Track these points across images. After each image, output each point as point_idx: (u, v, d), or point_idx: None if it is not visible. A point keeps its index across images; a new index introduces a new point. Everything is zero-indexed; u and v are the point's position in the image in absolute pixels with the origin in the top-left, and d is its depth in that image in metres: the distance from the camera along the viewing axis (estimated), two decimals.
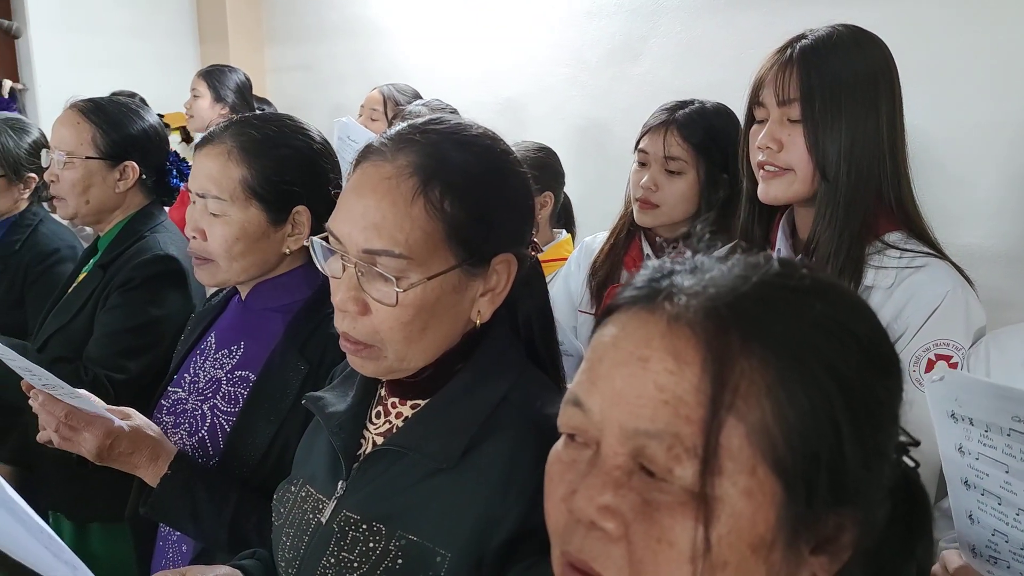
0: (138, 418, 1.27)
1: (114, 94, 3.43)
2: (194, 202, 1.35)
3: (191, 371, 1.43)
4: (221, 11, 4.60)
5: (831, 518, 0.58)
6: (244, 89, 3.45)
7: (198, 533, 1.26)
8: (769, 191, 1.32)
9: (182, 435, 1.38)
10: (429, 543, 0.88)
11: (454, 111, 2.46)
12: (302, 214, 1.34)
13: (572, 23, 3.06)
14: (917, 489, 0.66)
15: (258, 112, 1.41)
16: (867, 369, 0.58)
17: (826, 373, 0.56)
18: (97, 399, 1.22)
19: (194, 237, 1.34)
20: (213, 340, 1.44)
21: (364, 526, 0.92)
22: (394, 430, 0.97)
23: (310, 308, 1.35)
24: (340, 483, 0.97)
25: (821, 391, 0.56)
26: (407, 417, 0.97)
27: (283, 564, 1.01)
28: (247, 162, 1.31)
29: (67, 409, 1.19)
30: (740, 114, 1.75)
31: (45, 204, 2.27)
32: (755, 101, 1.33)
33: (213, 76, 3.42)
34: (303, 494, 1.01)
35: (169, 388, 1.44)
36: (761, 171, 1.32)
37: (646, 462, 0.56)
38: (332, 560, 0.93)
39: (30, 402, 1.22)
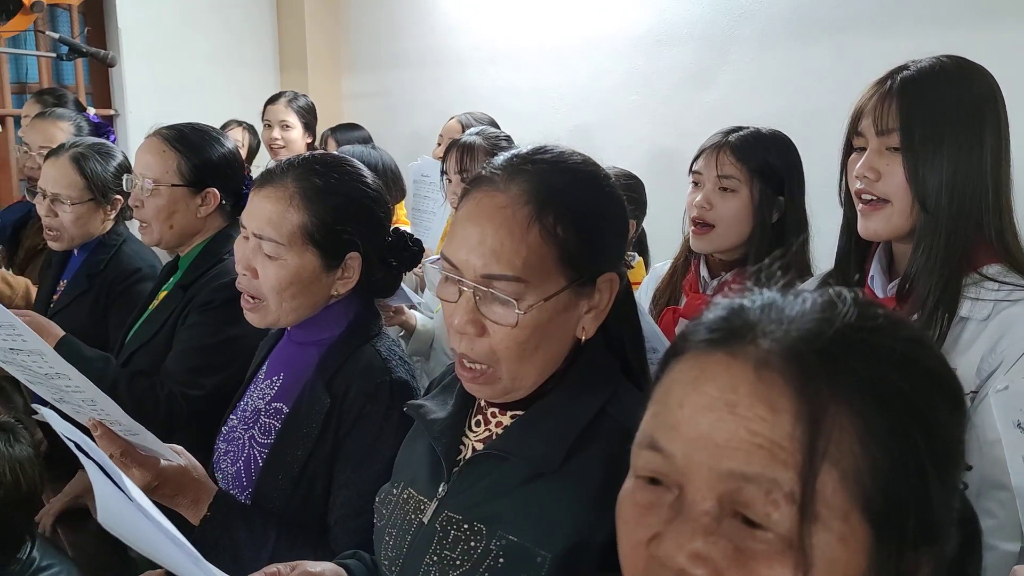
0: (186, 458, 1.29)
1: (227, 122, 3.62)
2: (246, 238, 1.36)
3: (244, 399, 1.47)
4: (301, 41, 4.76)
5: (911, 556, 0.58)
6: (308, 111, 3.60)
7: (238, 571, 1.28)
8: (869, 226, 1.31)
9: (227, 464, 1.41)
10: (530, 544, 0.92)
11: (508, 138, 2.50)
12: (354, 260, 1.36)
13: (643, 51, 3.07)
14: (969, 511, 0.66)
15: (319, 153, 1.44)
16: (942, 406, 0.59)
17: (911, 416, 0.57)
18: (152, 436, 1.24)
19: (244, 274, 1.36)
20: (265, 369, 1.47)
21: (465, 526, 0.96)
22: (493, 437, 1.01)
23: (343, 342, 1.37)
24: (442, 485, 1.02)
25: (908, 435, 0.56)
26: (506, 426, 1.01)
27: (386, 563, 1.05)
28: (308, 208, 1.32)
29: (123, 447, 1.22)
30: (812, 142, 1.75)
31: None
32: (854, 130, 1.32)
33: (309, 113, 3.65)
34: (404, 496, 1.06)
35: (231, 415, 1.47)
36: (860, 203, 1.31)
37: (741, 507, 0.56)
38: (435, 558, 0.97)
39: (91, 430, 1.25)
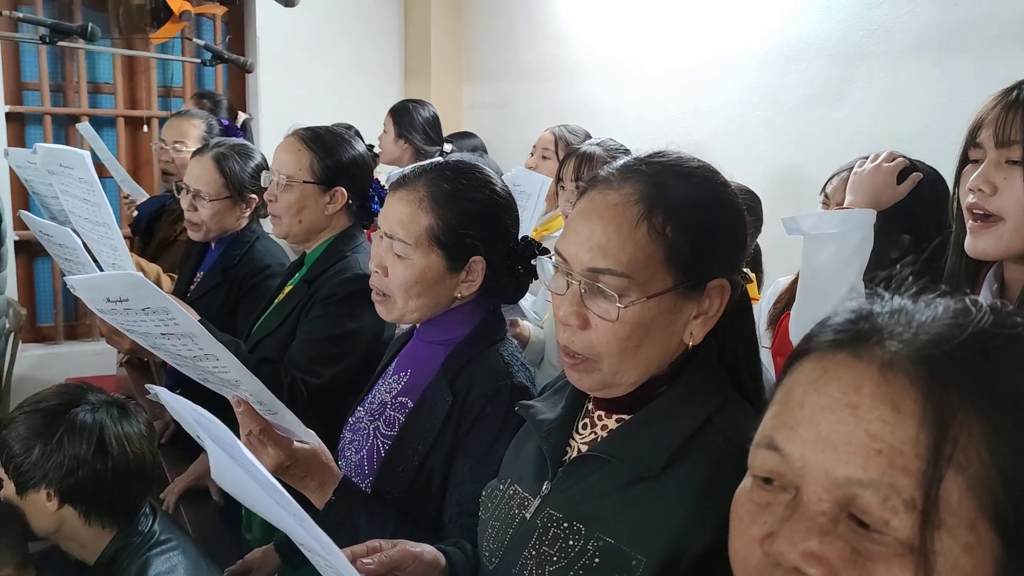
0: (316, 442, 1.34)
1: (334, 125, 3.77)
2: (381, 238, 1.43)
3: (373, 392, 1.52)
4: (426, 51, 4.89)
5: None
6: (428, 125, 3.64)
7: None
8: (978, 245, 1.24)
9: (352, 452, 1.47)
10: (626, 547, 0.92)
11: (627, 151, 2.49)
12: (478, 263, 1.40)
13: (769, 66, 3.01)
14: None
15: (453, 160, 1.47)
16: None
17: None
18: (292, 417, 1.30)
19: (376, 272, 1.43)
20: (394, 365, 1.53)
21: (565, 524, 0.98)
22: (598, 440, 1.03)
23: (468, 343, 1.41)
24: (546, 483, 1.04)
25: None
26: (611, 429, 1.02)
27: (487, 554, 1.09)
28: (435, 212, 1.37)
29: (262, 425, 1.28)
30: (947, 164, 1.67)
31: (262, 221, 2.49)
32: (971, 142, 1.25)
33: (398, 114, 3.65)
34: (510, 492, 1.09)
35: (359, 407, 1.53)
36: (970, 219, 1.25)
37: (858, 512, 0.55)
38: (533, 552, 0.99)
39: (234, 407, 1.31)
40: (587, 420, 1.06)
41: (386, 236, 1.41)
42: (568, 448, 1.06)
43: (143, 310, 1.18)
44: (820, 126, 2.83)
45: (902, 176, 1.65)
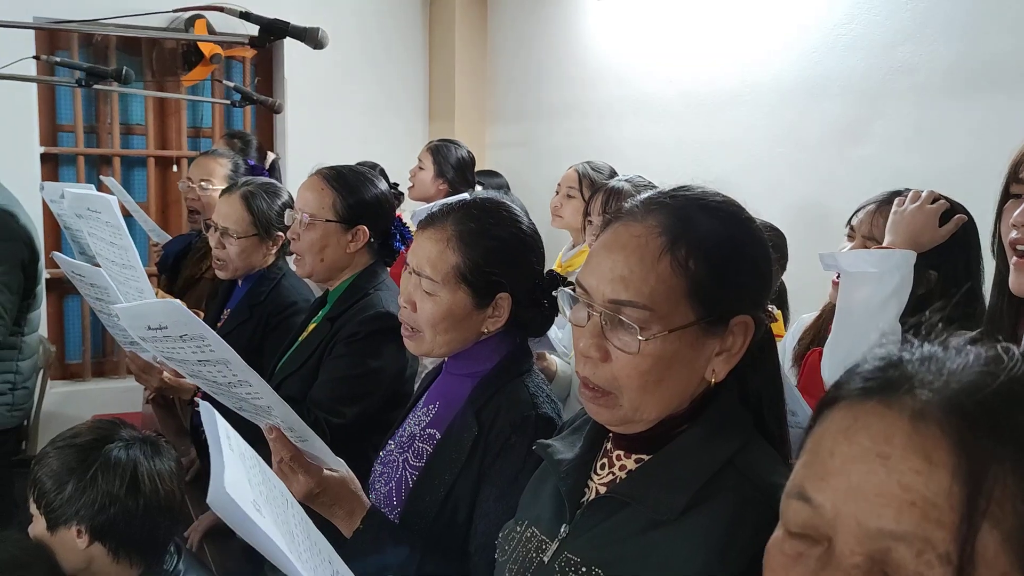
0: (345, 471, 1.37)
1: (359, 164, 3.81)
2: (410, 274, 1.45)
3: (403, 426, 1.54)
4: (451, 92, 4.96)
5: None
6: (464, 165, 3.68)
7: None
8: (1022, 282, 1.21)
9: (381, 484, 1.48)
10: None
11: (654, 187, 2.49)
12: (504, 300, 1.42)
13: (791, 103, 3.02)
14: None
15: (480, 199, 1.50)
16: None
17: None
18: (321, 444, 1.33)
19: (405, 307, 1.46)
20: (424, 398, 1.54)
21: (584, 569, 0.96)
22: (617, 480, 1.01)
23: (494, 376, 1.42)
24: (564, 526, 1.02)
25: None
26: (630, 470, 1.01)
27: None
28: (463, 251, 1.40)
29: (293, 452, 1.31)
30: (972, 201, 1.66)
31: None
32: (1013, 177, 1.24)
33: (439, 152, 3.68)
34: (528, 534, 1.07)
35: (389, 440, 1.55)
36: (1013, 255, 1.22)
37: (891, 568, 0.54)
38: None
39: (265, 434, 1.34)
40: (605, 460, 1.04)
41: (414, 273, 1.43)
42: (586, 489, 1.04)
43: (181, 337, 1.22)
44: (844, 163, 2.82)
45: (944, 218, 1.63)
